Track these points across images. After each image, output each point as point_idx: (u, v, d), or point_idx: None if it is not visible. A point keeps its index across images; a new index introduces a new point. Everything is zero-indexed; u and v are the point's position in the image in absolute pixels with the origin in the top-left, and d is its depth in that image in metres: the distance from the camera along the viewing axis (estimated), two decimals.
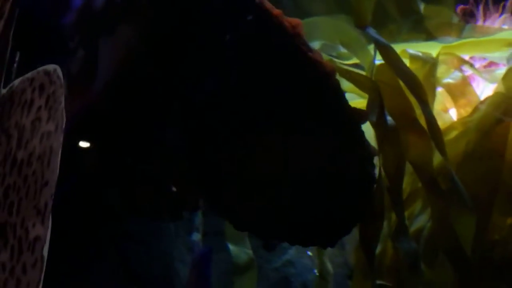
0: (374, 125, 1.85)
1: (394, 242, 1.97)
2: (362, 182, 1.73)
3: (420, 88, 1.93)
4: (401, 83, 1.95)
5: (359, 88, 2.01)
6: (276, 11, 1.48)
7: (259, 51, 1.52)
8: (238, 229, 1.95)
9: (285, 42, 1.51)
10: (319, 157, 1.62)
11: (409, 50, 2.08)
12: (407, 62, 2.04)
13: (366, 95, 1.93)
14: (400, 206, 1.93)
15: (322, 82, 1.56)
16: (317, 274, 2.33)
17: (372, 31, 1.95)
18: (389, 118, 1.89)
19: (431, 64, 2.05)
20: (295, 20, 1.52)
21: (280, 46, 1.52)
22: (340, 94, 1.61)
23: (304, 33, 1.53)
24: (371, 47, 1.99)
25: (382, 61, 1.96)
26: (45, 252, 0.82)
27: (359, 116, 1.66)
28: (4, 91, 1.13)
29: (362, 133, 1.68)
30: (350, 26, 2.10)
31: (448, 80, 2.11)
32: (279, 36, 1.50)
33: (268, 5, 1.48)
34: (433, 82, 2.05)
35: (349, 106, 1.64)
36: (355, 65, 2.09)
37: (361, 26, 1.99)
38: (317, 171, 1.64)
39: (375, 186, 1.81)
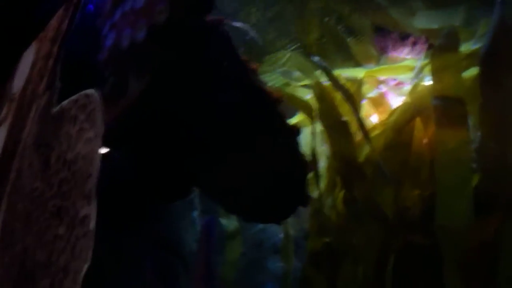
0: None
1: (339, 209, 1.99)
2: (299, 176, 1.72)
3: (352, 98, 1.94)
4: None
5: (299, 108, 2.06)
6: (246, 58, 1.49)
7: (229, 85, 1.52)
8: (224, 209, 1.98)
9: (249, 79, 1.51)
10: (269, 160, 1.62)
11: (343, 74, 2.08)
12: (343, 82, 2.05)
13: None
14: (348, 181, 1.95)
15: (271, 107, 1.57)
16: (282, 237, 2.33)
17: (316, 58, 1.96)
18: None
19: (358, 83, 2.06)
20: (254, 64, 1.52)
21: (245, 82, 1.51)
22: (283, 115, 1.62)
23: (258, 72, 1.55)
24: (318, 72, 2.00)
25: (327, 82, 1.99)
26: (92, 226, 0.79)
27: (295, 130, 1.66)
28: (55, 110, 1.11)
29: (298, 142, 1.69)
30: (302, 57, 2.10)
31: (370, 95, 2.12)
32: (245, 75, 1.50)
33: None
34: (360, 96, 2.06)
35: (289, 124, 1.66)
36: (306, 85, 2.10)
37: (307, 54, 2.02)
38: (268, 170, 1.64)
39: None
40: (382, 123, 2.03)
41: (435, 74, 1.81)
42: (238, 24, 1.67)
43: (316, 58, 1.95)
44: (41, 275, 0.91)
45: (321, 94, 1.98)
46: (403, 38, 2.15)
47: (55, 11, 1.48)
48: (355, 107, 1.91)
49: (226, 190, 1.74)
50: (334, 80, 1.95)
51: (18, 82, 1.67)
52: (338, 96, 2.00)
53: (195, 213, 2.03)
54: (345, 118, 1.96)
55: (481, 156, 1.68)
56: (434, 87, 1.81)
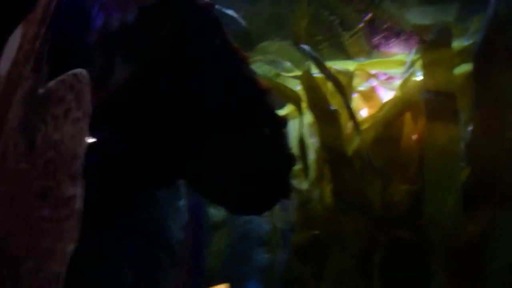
0: None
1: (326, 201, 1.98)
2: (284, 168, 1.71)
3: (343, 89, 1.94)
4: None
5: (286, 99, 2.05)
6: (236, 45, 1.48)
7: (219, 72, 1.50)
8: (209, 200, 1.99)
9: (238, 67, 1.50)
10: (255, 151, 1.61)
11: (335, 66, 2.07)
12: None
13: None
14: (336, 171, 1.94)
15: (260, 96, 1.56)
16: (269, 229, 2.33)
17: (307, 48, 1.94)
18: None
19: (349, 76, 2.05)
20: (244, 54, 1.51)
21: (234, 71, 1.50)
22: (271, 105, 1.61)
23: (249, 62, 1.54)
24: (308, 63, 1.98)
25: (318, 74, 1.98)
26: (79, 206, 0.77)
27: (282, 121, 1.65)
28: (41, 91, 1.09)
29: (284, 132, 1.68)
30: (292, 47, 2.09)
31: (361, 88, 2.11)
32: (235, 63, 1.48)
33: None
34: (351, 89, 2.05)
35: (276, 114, 1.65)
36: (297, 76, 2.09)
37: (297, 44, 2.00)
38: (253, 161, 1.63)
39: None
40: (372, 117, 2.02)
41: (426, 69, 1.81)
42: (228, 11, 1.65)
43: (306, 48, 1.93)
44: (25, 257, 0.89)
45: (309, 84, 1.97)
46: (394, 33, 2.15)
47: None
48: (346, 98, 1.90)
49: (211, 180, 1.72)
50: (324, 70, 1.94)
51: (4, 65, 1.65)
52: (329, 87, 2.00)
53: (182, 202, 2.01)
54: (334, 108, 1.95)
55: (471, 151, 1.69)
56: (425, 82, 1.81)
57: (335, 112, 1.94)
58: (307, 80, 1.96)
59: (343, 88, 1.92)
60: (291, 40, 2.08)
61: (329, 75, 1.93)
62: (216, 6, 1.36)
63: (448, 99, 1.73)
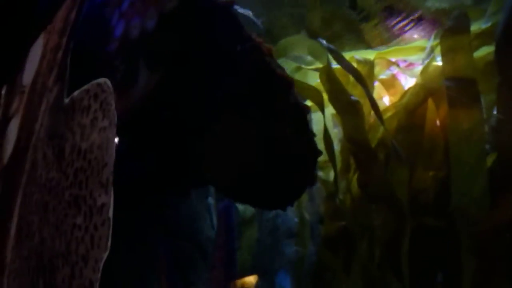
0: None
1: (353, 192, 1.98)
2: (310, 157, 1.71)
3: (363, 79, 1.94)
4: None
5: (306, 95, 2.04)
6: (260, 40, 1.49)
7: (247, 67, 1.51)
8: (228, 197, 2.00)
9: (263, 60, 1.50)
10: (280, 139, 1.62)
11: (356, 56, 2.07)
12: (355, 65, 2.05)
13: None
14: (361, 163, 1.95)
15: (285, 89, 1.56)
16: (298, 221, 2.34)
17: (323, 41, 1.95)
18: None
19: (370, 65, 2.05)
20: (269, 46, 1.51)
21: (260, 64, 1.50)
22: (296, 96, 1.61)
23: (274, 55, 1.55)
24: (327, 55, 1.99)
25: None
26: (110, 214, 0.79)
27: (306, 109, 1.65)
28: (67, 101, 1.11)
29: (308, 121, 1.67)
30: (313, 41, 2.09)
31: (382, 77, 2.11)
32: (260, 57, 1.49)
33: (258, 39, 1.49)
34: (372, 78, 2.05)
35: (301, 103, 1.65)
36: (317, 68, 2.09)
37: (313, 37, 2.01)
38: (279, 151, 1.63)
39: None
40: (394, 105, 2.02)
41: (445, 55, 1.80)
42: (242, 10, 1.66)
43: (323, 41, 1.94)
44: (60, 264, 0.92)
45: (328, 77, 1.97)
46: (413, 19, 2.14)
47: (62, 2, 1.48)
48: (367, 88, 1.90)
49: (235, 178, 1.73)
50: (343, 62, 1.94)
51: (28, 74, 1.68)
52: (350, 78, 1.99)
53: (210, 199, 2.03)
54: (355, 98, 1.95)
55: (497, 136, 1.67)
56: (445, 69, 1.80)
57: (356, 104, 1.94)
58: (325, 73, 1.96)
59: (363, 79, 1.92)
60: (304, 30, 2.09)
61: (347, 67, 1.93)
62: (235, 7, 1.38)
63: (468, 85, 1.72)
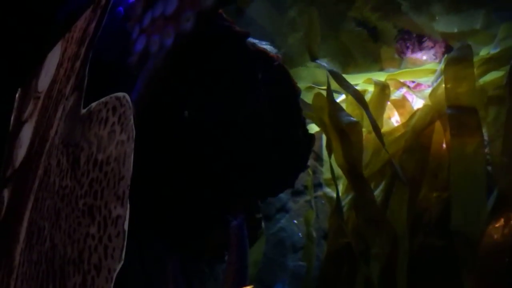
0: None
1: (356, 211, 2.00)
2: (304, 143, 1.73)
3: (364, 101, 1.98)
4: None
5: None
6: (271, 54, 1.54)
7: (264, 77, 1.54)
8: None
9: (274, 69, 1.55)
10: (282, 140, 1.64)
11: (373, 78, 2.12)
12: (372, 86, 2.11)
13: None
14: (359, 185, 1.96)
15: (294, 95, 1.63)
16: (302, 236, 2.34)
17: (323, 62, 1.99)
18: None
19: (382, 86, 2.08)
20: (278, 57, 1.57)
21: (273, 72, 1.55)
22: (298, 102, 1.67)
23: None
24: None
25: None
26: (126, 226, 0.81)
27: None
28: (84, 111, 1.13)
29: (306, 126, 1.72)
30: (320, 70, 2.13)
31: (392, 97, 2.13)
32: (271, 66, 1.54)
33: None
34: (386, 99, 2.08)
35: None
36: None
37: (313, 59, 2.04)
38: (284, 148, 1.66)
39: None
40: (403, 125, 2.04)
41: (448, 84, 1.84)
42: (257, 42, 1.70)
43: (323, 63, 1.98)
44: (72, 271, 0.93)
45: (321, 105, 2.01)
46: (423, 41, 2.16)
47: (80, 12, 1.50)
48: (369, 112, 1.92)
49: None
50: (344, 83, 1.97)
51: (44, 81, 1.70)
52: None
53: None
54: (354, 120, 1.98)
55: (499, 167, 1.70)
56: (448, 97, 1.84)
57: (351, 126, 1.96)
58: (318, 101, 2.01)
59: (365, 102, 1.96)
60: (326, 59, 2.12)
61: (348, 88, 1.96)
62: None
63: (470, 115, 1.75)
